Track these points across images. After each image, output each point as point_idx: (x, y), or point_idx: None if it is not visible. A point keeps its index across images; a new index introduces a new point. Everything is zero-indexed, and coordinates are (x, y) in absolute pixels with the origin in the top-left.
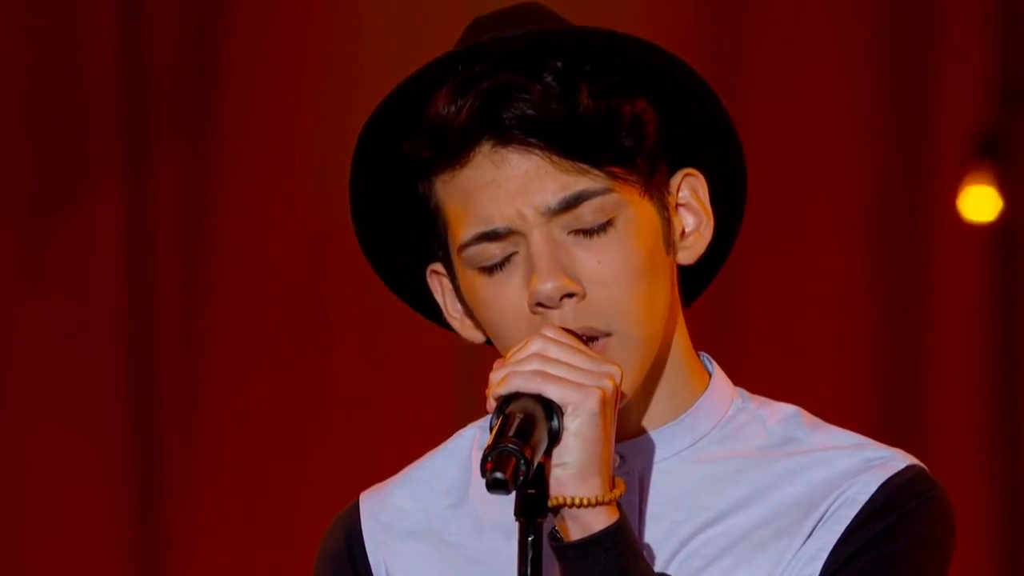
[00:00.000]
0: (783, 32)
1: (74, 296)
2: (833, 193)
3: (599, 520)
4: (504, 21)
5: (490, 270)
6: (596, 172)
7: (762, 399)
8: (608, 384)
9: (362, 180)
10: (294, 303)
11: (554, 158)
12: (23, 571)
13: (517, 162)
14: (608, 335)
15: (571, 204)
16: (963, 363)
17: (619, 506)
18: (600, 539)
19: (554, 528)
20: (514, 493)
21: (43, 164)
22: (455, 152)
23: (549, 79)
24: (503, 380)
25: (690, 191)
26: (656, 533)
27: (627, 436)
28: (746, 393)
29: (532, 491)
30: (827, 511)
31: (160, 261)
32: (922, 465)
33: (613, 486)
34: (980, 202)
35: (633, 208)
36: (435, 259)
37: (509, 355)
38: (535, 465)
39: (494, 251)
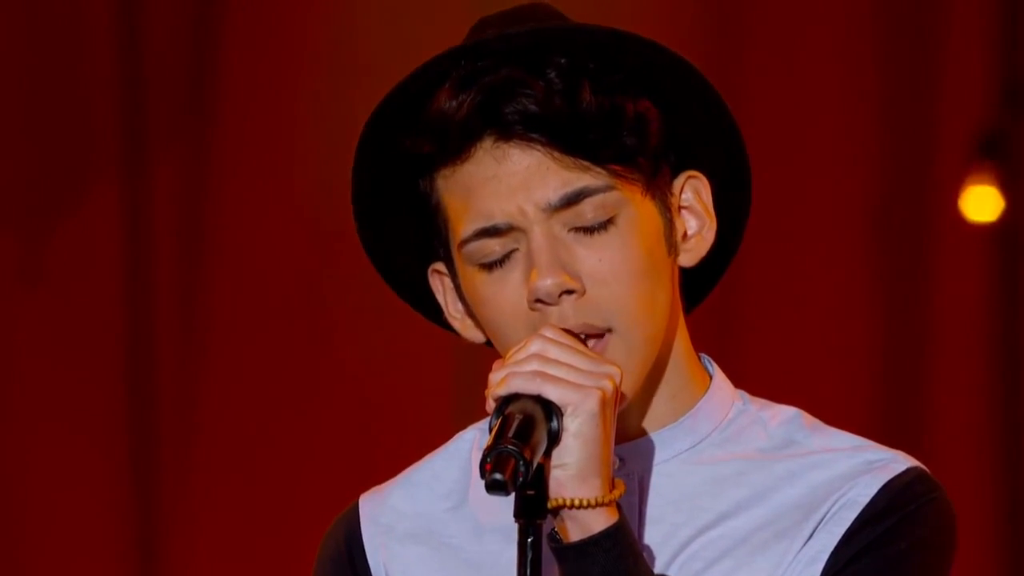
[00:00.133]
0: (783, 32)
1: (72, 296)
2: (834, 193)
3: (599, 521)
4: (509, 20)
5: (490, 267)
6: (598, 169)
7: (763, 401)
8: (608, 385)
9: (364, 178)
10: (293, 303)
11: (556, 154)
12: (23, 571)
13: (518, 158)
14: (608, 331)
15: (572, 201)
16: (964, 363)
17: (619, 507)
18: (600, 540)
19: (553, 529)
20: (513, 494)
21: (42, 165)
22: (456, 147)
23: (552, 75)
24: (502, 381)
25: (693, 193)
26: (656, 535)
27: (627, 438)
28: (747, 395)
29: (531, 492)
30: (828, 513)
31: (158, 261)
32: (923, 467)
33: (613, 487)
34: (982, 202)
35: (635, 207)
36: (437, 258)
37: (508, 356)
38: (534, 466)
39: (494, 247)
